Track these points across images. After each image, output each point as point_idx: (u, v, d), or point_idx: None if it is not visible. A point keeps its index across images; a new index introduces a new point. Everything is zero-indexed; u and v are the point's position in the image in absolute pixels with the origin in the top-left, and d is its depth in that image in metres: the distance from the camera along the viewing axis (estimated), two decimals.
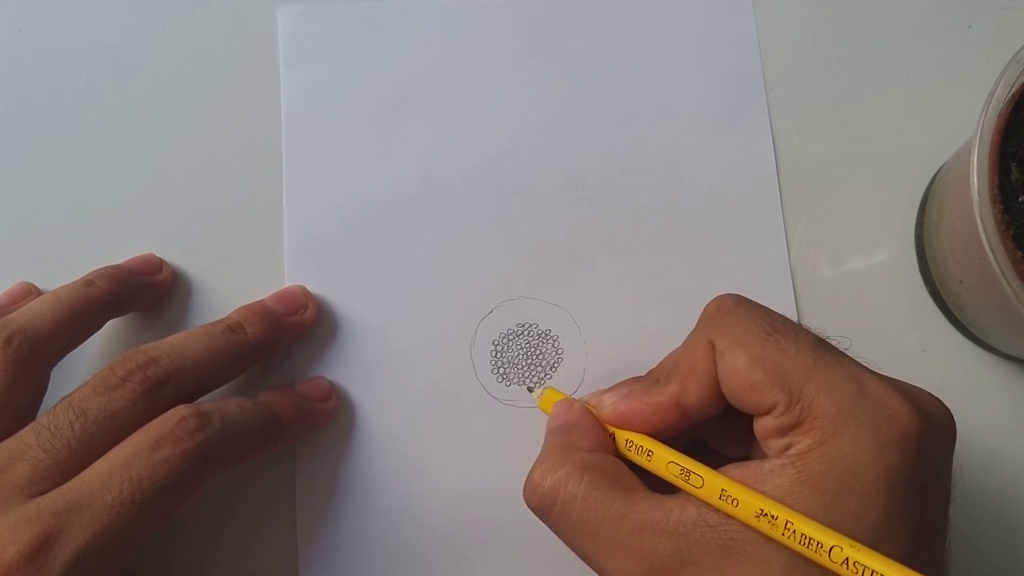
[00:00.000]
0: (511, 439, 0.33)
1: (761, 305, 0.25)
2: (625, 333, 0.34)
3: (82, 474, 0.26)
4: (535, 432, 0.33)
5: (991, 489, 0.33)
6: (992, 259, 0.27)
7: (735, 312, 0.25)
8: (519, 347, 0.33)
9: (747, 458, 0.26)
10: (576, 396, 0.30)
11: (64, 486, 0.25)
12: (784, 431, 0.22)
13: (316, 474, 0.32)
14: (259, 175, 0.35)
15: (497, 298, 0.34)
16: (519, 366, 0.33)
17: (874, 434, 0.21)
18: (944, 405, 0.23)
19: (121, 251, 0.34)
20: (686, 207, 0.35)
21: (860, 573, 0.20)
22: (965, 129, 0.31)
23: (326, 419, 0.32)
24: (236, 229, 0.35)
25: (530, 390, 0.33)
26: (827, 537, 0.20)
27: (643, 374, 0.27)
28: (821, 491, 0.21)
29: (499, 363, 0.33)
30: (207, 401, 0.29)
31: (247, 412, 0.29)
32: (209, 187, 0.35)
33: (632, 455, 0.26)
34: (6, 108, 0.36)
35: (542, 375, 0.33)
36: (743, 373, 0.23)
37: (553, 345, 0.34)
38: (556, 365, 0.33)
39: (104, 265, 0.33)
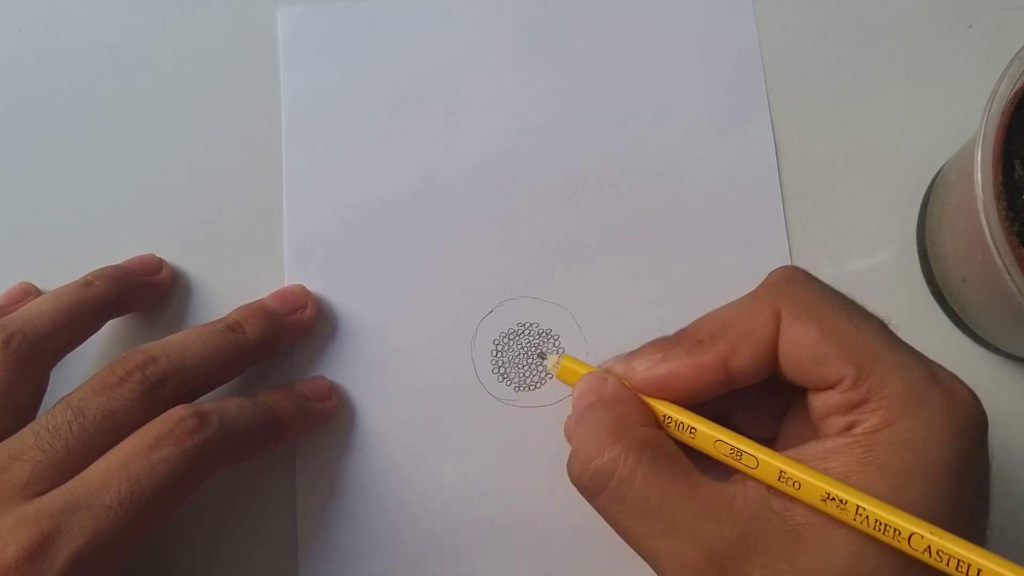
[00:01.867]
0: (511, 439, 0.33)
1: (828, 284, 0.24)
2: (625, 332, 0.34)
3: (81, 474, 0.26)
4: (536, 432, 0.33)
5: (994, 490, 0.33)
6: (996, 256, 0.27)
7: (804, 284, 0.24)
8: (520, 346, 0.33)
9: (772, 440, 0.26)
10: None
11: (63, 487, 0.25)
12: (849, 408, 0.22)
13: (316, 474, 0.32)
14: (259, 175, 0.35)
15: (497, 297, 0.34)
16: (520, 365, 0.33)
17: (946, 419, 0.21)
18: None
19: (121, 251, 0.34)
20: (686, 207, 0.35)
21: (945, 561, 0.19)
22: (966, 129, 0.30)
23: (326, 419, 0.32)
24: (236, 229, 0.35)
25: (542, 356, 0.30)
26: (905, 522, 0.19)
27: (666, 336, 0.26)
28: (889, 473, 0.20)
29: (500, 362, 0.33)
30: (206, 401, 0.28)
31: (247, 412, 0.29)
32: (209, 187, 0.35)
33: (672, 431, 0.24)
34: (6, 108, 0.36)
35: (543, 374, 0.33)
36: (812, 344, 0.22)
37: (554, 344, 0.33)
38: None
39: (104, 265, 0.33)
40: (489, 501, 0.32)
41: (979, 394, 0.34)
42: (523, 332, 0.34)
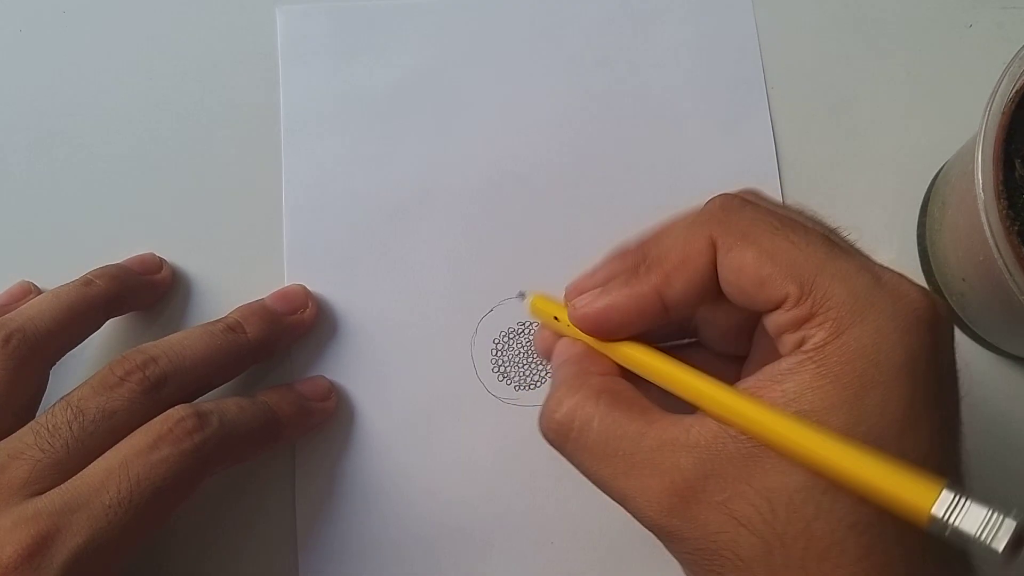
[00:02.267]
0: (511, 438, 0.33)
1: (769, 201, 0.24)
2: None
3: (80, 474, 0.26)
4: (535, 431, 0.32)
5: (995, 489, 0.33)
6: (997, 255, 0.27)
7: (740, 210, 0.24)
8: (520, 345, 0.33)
9: (745, 356, 0.26)
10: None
11: (62, 486, 0.25)
12: (798, 324, 0.21)
13: (316, 474, 0.32)
14: (259, 175, 0.35)
15: (497, 296, 0.34)
16: (520, 364, 0.33)
17: (893, 321, 0.21)
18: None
19: (121, 251, 0.34)
20: (686, 207, 0.35)
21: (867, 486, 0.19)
22: (966, 128, 0.30)
23: (326, 419, 0.32)
24: (236, 229, 0.35)
25: (522, 295, 0.30)
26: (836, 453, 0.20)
27: (619, 251, 0.26)
28: (843, 384, 0.20)
29: (500, 361, 0.33)
30: (206, 401, 0.28)
31: (246, 412, 0.29)
32: (209, 187, 0.35)
33: (634, 371, 0.25)
34: (6, 108, 0.36)
35: (543, 373, 0.33)
36: (751, 267, 0.22)
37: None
38: None
39: (104, 264, 0.33)
40: (489, 500, 0.32)
41: (979, 393, 0.34)
42: (523, 331, 0.34)
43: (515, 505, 0.32)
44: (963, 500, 0.18)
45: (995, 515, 0.17)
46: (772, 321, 0.22)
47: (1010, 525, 0.17)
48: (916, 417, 0.20)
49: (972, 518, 0.17)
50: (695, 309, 0.24)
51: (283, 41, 0.36)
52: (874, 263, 0.22)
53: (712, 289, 0.24)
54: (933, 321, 0.21)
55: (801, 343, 0.21)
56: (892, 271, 0.22)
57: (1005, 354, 0.34)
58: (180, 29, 0.37)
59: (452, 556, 0.32)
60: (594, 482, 0.24)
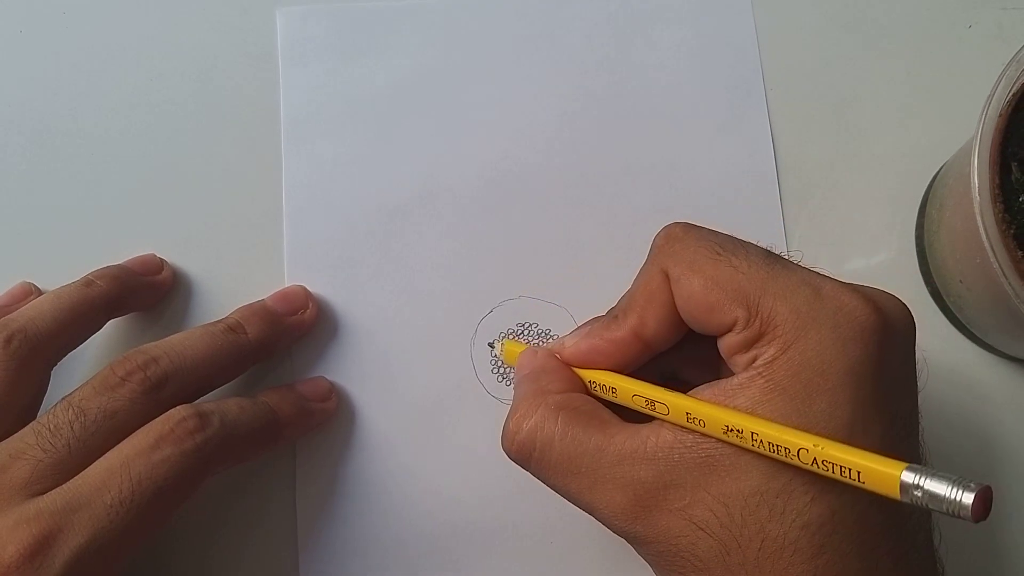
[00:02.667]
0: None
1: (708, 228, 0.25)
2: None
3: (82, 474, 0.26)
4: None
5: (995, 489, 0.33)
6: (993, 258, 0.27)
7: (683, 239, 0.25)
8: None
9: None
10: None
11: (64, 486, 0.25)
12: (748, 345, 0.22)
13: (316, 474, 0.32)
14: (259, 175, 0.35)
15: (497, 297, 0.34)
16: None
17: (834, 333, 0.21)
18: (900, 300, 0.23)
19: (121, 251, 0.34)
20: (686, 207, 0.35)
21: (830, 469, 0.20)
22: (965, 129, 0.30)
23: (326, 419, 0.32)
24: (236, 229, 0.35)
25: (491, 346, 0.33)
26: (793, 439, 0.20)
27: (602, 314, 0.27)
28: (791, 396, 0.21)
29: (499, 362, 0.33)
30: (207, 401, 0.29)
31: (247, 412, 0.29)
32: (209, 187, 0.35)
33: (599, 394, 0.26)
34: (6, 108, 0.36)
35: None
36: (699, 295, 0.23)
37: None
38: None
39: (105, 265, 0.33)
40: (489, 501, 0.32)
41: (976, 394, 0.34)
42: (523, 332, 0.34)
43: (515, 505, 0.32)
44: (927, 474, 0.19)
45: (959, 480, 0.18)
46: (725, 343, 0.23)
47: (975, 486, 0.18)
48: (865, 419, 0.21)
49: (939, 483, 0.18)
50: (676, 339, 0.25)
51: (283, 42, 0.36)
52: (815, 275, 0.23)
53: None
54: (875, 328, 0.22)
55: (752, 361, 0.22)
56: (835, 282, 0.23)
57: (1002, 355, 0.34)
58: (180, 30, 0.37)
59: (452, 556, 0.32)
60: (561, 495, 0.25)
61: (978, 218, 0.27)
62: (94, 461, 0.26)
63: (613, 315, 0.26)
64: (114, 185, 0.35)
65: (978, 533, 0.32)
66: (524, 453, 0.25)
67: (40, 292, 0.33)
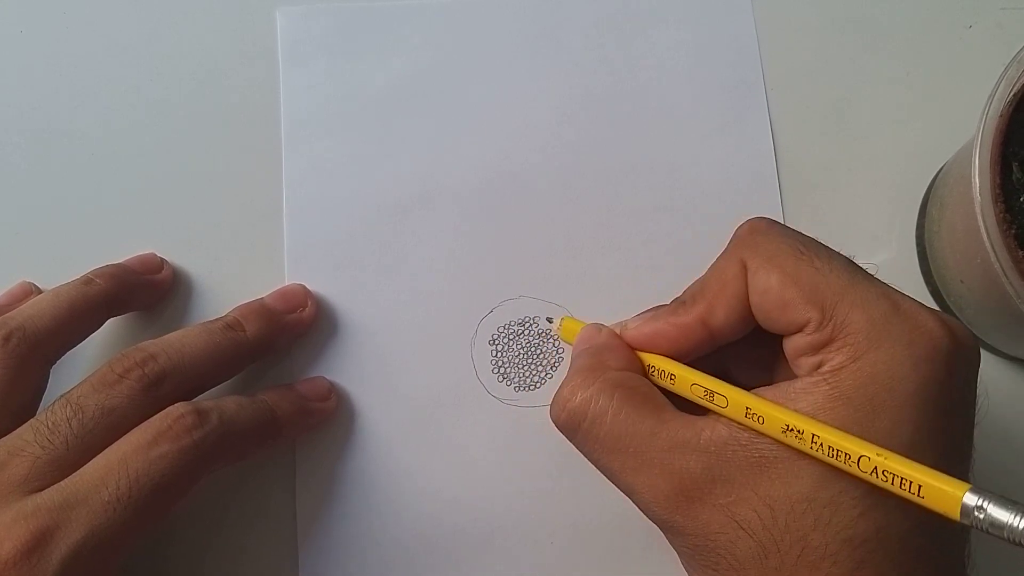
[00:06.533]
0: (511, 439, 0.33)
1: (793, 228, 0.25)
2: None
3: (79, 471, 0.26)
4: (535, 432, 0.33)
5: (995, 489, 0.33)
6: (993, 258, 0.27)
7: (767, 232, 0.24)
8: (519, 346, 0.33)
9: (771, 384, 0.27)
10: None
11: (61, 483, 0.25)
12: (816, 348, 0.22)
13: (316, 474, 0.32)
14: (259, 175, 0.35)
15: (497, 297, 0.34)
16: (519, 365, 0.33)
17: (909, 350, 0.21)
18: (968, 329, 0.23)
19: (121, 251, 0.34)
20: (686, 207, 0.35)
21: (890, 481, 0.20)
22: (965, 129, 0.30)
23: (325, 418, 0.32)
24: (236, 229, 0.35)
25: (549, 321, 0.33)
26: (855, 447, 0.20)
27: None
28: (855, 407, 0.21)
29: (499, 362, 0.33)
30: (205, 399, 0.29)
31: (245, 410, 0.29)
32: (209, 187, 0.35)
33: (656, 379, 0.26)
34: (6, 108, 0.36)
35: (543, 374, 0.33)
36: (776, 290, 0.23)
37: (553, 344, 0.33)
38: (557, 364, 0.33)
39: (104, 264, 0.33)
40: (489, 501, 0.32)
41: (976, 394, 0.34)
42: (523, 332, 0.34)
43: (515, 505, 0.32)
44: (988, 498, 0.18)
45: (1020, 508, 0.18)
46: (792, 344, 0.23)
47: None
48: (923, 443, 0.21)
49: (1003, 509, 0.18)
50: (740, 334, 0.25)
51: (283, 41, 0.36)
52: (894, 291, 0.23)
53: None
54: (948, 351, 0.22)
55: (819, 366, 0.22)
56: (912, 300, 0.23)
57: (1003, 355, 0.34)
58: (180, 29, 0.37)
59: (452, 556, 0.32)
60: (601, 471, 0.25)
61: (979, 218, 0.27)
62: (92, 458, 0.26)
63: (681, 300, 0.26)
64: (114, 185, 0.35)
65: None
66: (573, 422, 0.25)
67: (39, 292, 0.33)
